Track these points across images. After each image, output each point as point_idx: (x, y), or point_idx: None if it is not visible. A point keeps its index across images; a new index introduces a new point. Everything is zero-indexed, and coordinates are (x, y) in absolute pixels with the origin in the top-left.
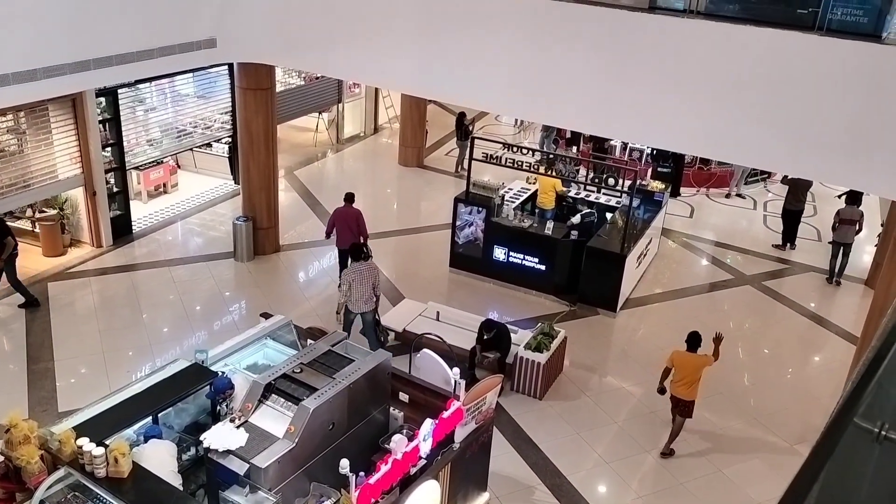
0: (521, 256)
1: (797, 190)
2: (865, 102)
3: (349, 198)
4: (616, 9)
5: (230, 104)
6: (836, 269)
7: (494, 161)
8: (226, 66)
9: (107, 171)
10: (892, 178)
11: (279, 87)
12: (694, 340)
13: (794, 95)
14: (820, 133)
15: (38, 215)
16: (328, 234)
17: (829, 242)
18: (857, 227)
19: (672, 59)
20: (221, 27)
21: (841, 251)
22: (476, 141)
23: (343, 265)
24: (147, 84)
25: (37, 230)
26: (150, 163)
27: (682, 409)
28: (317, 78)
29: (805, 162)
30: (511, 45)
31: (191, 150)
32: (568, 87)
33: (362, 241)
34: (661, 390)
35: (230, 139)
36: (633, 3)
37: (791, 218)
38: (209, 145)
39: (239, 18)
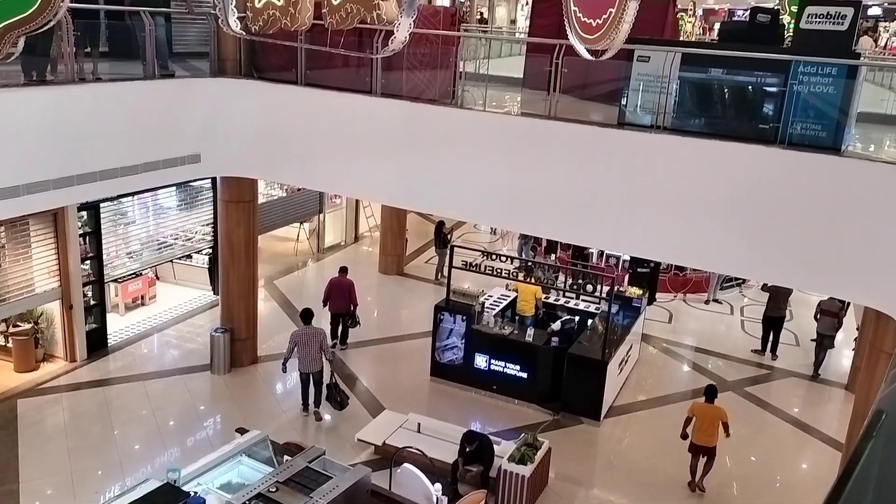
0: (503, 364)
1: (778, 297)
2: (828, 212)
3: (343, 270)
4: (587, 125)
5: (212, 216)
6: (818, 363)
7: (474, 269)
8: (209, 179)
9: (84, 285)
10: (859, 284)
11: (261, 199)
12: (711, 392)
13: (759, 205)
14: (786, 241)
15: (11, 329)
16: (325, 303)
17: (812, 340)
18: (838, 320)
19: (642, 171)
20: (205, 143)
21: (823, 343)
22: (455, 249)
23: (335, 328)
24: (130, 197)
25: (9, 345)
26: (129, 275)
27: (706, 453)
28: (298, 189)
29: (773, 269)
30: (488, 158)
31: (170, 261)
32: (543, 198)
33: (353, 308)
34: (684, 436)
35: (210, 250)
36: (604, 119)
37: (772, 325)
38: (189, 256)
39: (223, 135)
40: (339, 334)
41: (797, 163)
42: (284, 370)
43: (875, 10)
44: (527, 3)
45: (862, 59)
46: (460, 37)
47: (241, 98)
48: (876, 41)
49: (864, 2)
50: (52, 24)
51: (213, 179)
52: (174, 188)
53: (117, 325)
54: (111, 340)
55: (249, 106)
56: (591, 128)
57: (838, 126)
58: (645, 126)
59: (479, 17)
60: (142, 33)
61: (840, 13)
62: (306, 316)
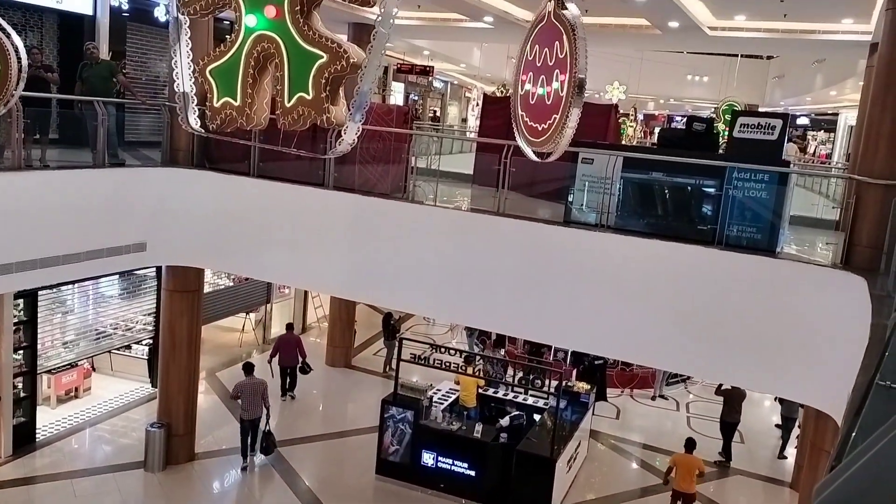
0: (451, 461)
1: (732, 401)
2: (766, 311)
3: (290, 327)
4: (535, 222)
5: (155, 305)
6: (783, 444)
7: (422, 362)
8: (154, 267)
9: (15, 376)
10: (798, 383)
11: (207, 288)
12: (690, 445)
13: (700, 304)
14: (727, 339)
15: None
16: (272, 358)
17: (777, 426)
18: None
19: (587, 268)
20: (152, 232)
21: (787, 426)
22: (404, 341)
23: (284, 381)
24: (70, 285)
25: None
26: (63, 366)
27: (685, 500)
28: (246, 279)
29: (715, 366)
30: (437, 252)
31: (108, 351)
32: (491, 292)
33: (301, 360)
34: (666, 482)
35: (151, 340)
36: (551, 215)
37: (728, 430)
38: (128, 347)
39: (170, 224)
40: (286, 386)
41: (735, 264)
42: (235, 398)
43: (803, 120)
44: (477, 104)
45: (792, 166)
46: (412, 134)
47: (191, 187)
48: (804, 149)
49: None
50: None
51: (158, 268)
52: (117, 276)
53: (47, 419)
54: (40, 435)
55: (200, 195)
56: (538, 225)
57: (772, 229)
58: (590, 224)
59: (431, 114)
60: (94, 122)
61: (770, 124)
62: (248, 368)
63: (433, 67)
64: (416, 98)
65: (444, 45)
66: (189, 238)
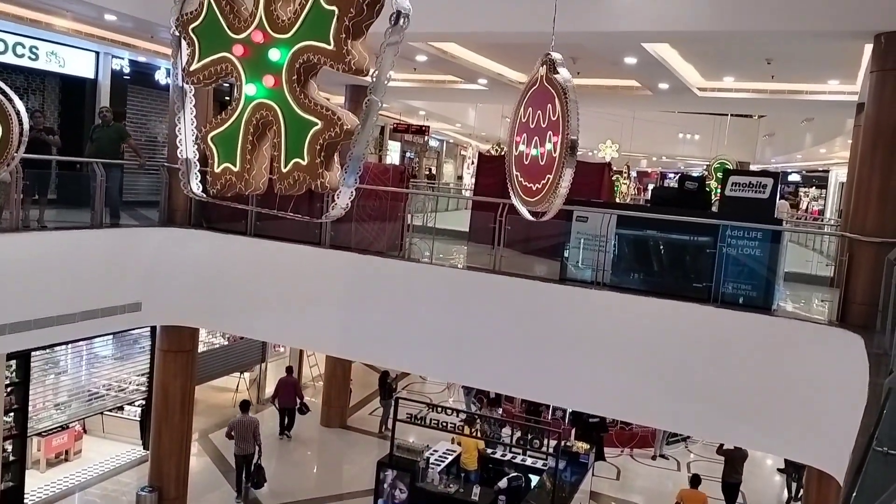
0: None
1: (734, 462)
2: (765, 370)
3: (289, 370)
4: (530, 279)
5: (148, 365)
6: (795, 491)
7: (418, 422)
8: (148, 328)
9: (5, 439)
10: (799, 443)
11: (201, 347)
12: (696, 480)
13: (699, 362)
14: (726, 398)
15: None
16: (273, 399)
17: (780, 469)
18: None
19: (583, 326)
20: (148, 291)
21: (792, 474)
22: (400, 401)
23: (283, 421)
24: (64, 346)
25: None
26: (54, 428)
27: None
28: (241, 338)
29: (715, 426)
30: (433, 310)
31: (100, 413)
32: (487, 350)
33: (299, 401)
34: None
35: (144, 401)
36: (547, 272)
37: (730, 491)
38: (121, 408)
39: (166, 284)
40: (284, 425)
41: (731, 321)
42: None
43: (795, 177)
44: (472, 163)
45: (785, 223)
46: (408, 193)
47: (188, 247)
48: (797, 206)
49: (783, 170)
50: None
51: (153, 328)
52: (111, 336)
53: (36, 483)
54: (28, 500)
55: (196, 255)
56: (534, 282)
57: (768, 286)
58: (586, 282)
59: (427, 172)
60: (93, 183)
61: (761, 183)
62: (244, 406)
63: (429, 127)
64: (413, 156)
65: (439, 105)
66: (184, 298)
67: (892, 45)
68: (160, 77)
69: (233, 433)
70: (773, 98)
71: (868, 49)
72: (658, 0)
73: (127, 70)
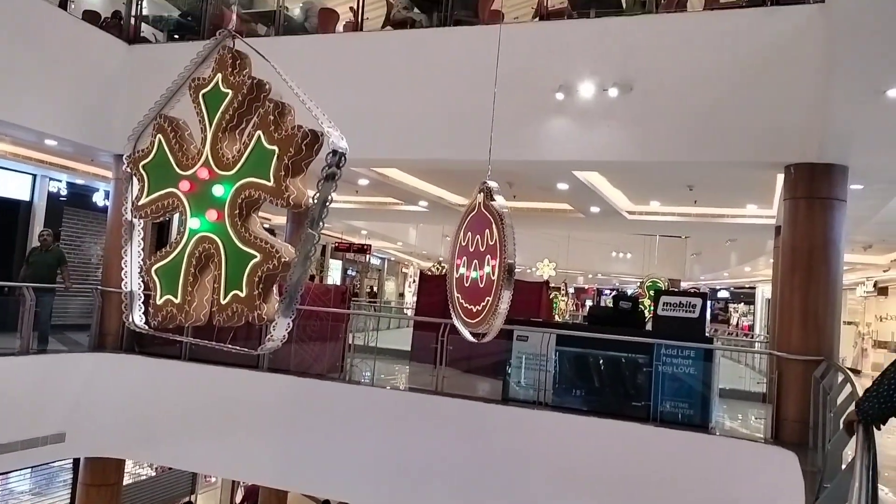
0: None
1: None
2: (703, 488)
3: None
4: (473, 400)
5: (69, 502)
6: None
7: None
8: (70, 460)
9: None
10: None
11: (127, 479)
12: None
13: (638, 481)
14: None
15: None
16: None
17: None
18: None
19: (525, 446)
20: (73, 421)
21: None
22: None
23: None
24: None
25: None
26: None
27: None
28: (169, 468)
29: None
30: (374, 435)
31: None
32: (430, 475)
33: None
34: None
35: None
36: (489, 392)
37: None
38: None
39: (93, 411)
40: None
41: (669, 441)
42: None
43: (724, 293)
44: (414, 280)
45: (715, 342)
46: (350, 314)
47: (118, 373)
48: (727, 321)
49: (712, 287)
50: None
51: (76, 460)
52: (28, 470)
53: None
54: None
55: (127, 381)
56: (477, 403)
57: (704, 403)
58: (528, 402)
59: (369, 290)
60: (21, 308)
61: (691, 303)
62: None
63: (370, 245)
64: (354, 274)
65: (381, 225)
66: (113, 427)
67: (801, 176)
68: (98, 199)
69: None
70: (696, 221)
71: (781, 178)
72: (587, 133)
73: (64, 192)
